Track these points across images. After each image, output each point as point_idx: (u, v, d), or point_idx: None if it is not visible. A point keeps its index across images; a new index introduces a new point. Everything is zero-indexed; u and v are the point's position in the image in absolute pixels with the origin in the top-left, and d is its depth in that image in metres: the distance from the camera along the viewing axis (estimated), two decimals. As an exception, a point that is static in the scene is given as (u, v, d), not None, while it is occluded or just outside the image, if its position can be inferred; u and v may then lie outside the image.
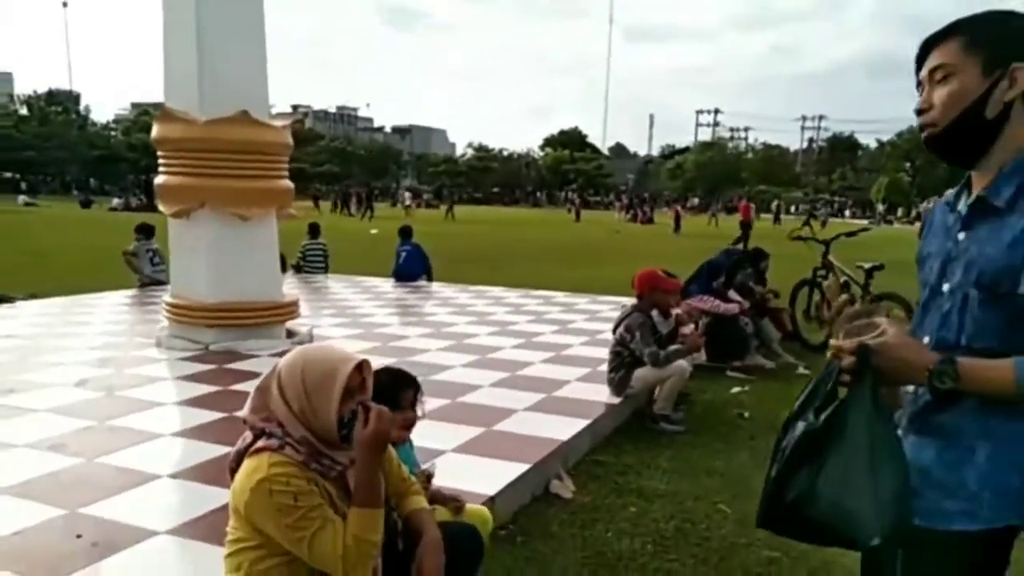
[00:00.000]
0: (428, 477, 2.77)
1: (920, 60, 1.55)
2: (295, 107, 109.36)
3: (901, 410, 1.59)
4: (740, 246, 14.52)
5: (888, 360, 1.44)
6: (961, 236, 1.52)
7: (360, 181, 65.58)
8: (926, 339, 1.54)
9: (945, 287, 1.52)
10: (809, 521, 1.47)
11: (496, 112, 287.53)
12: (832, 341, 1.53)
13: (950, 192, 1.61)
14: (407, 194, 51.54)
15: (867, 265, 7.68)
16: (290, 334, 6.95)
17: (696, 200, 69.83)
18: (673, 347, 5.18)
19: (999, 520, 1.43)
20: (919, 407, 1.53)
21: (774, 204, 45.80)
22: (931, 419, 1.51)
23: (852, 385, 1.47)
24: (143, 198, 39.74)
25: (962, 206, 1.55)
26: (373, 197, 43.90)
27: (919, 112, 1.53)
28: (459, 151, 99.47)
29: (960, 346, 1.47)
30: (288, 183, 7.03)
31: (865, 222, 33.37)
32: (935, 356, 1.43)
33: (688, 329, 5.46)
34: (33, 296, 9.49)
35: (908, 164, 64.58)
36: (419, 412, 2.69)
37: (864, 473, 1.41)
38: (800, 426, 1.51)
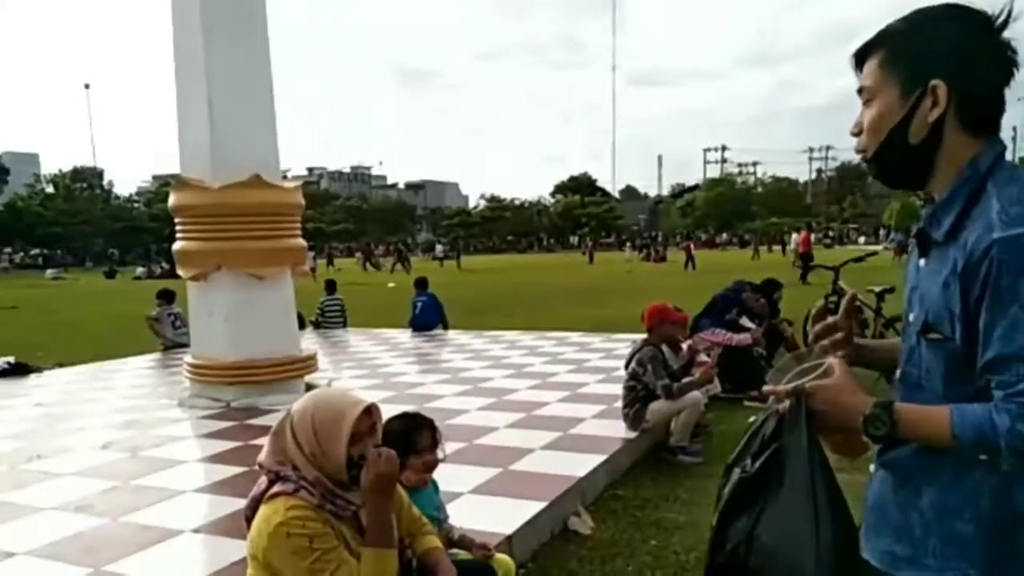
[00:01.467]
0: (448, 533, 2.80)
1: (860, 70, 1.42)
2: (310, 169, 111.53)
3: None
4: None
5: (823, 404, 1.37)
6: (921, 263, 1.37)
7: (376, 238, 66.29)
8: (898, 372, 1.44)
9: (911, 317, 1.38)
10: (750, 570, 1.41)
11: (507, 163, 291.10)
12: (766, 387, 1.47)
13: (925, 212, 1.42)
14: (439, 247, 52.68)
15: (878, 288, 7.69)
16: (309, 388, 7.04)
17: (703, 236, 70.06)
18: (686, 379, 5.21)
19: (949, 570, 1.29)
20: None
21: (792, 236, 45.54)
22: (889, 454, 1.39)
23: (787, 429, 1.40)
24: (164, 266, 40.59)
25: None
26: (406, 250, 44.93)
27: (854, 135, 1.41)
28: (472, 203, 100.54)
29: (920, 385, 1.36)
30: (301, 241, 7.21)
31: (879, 247, 33.13)
32: (870, 401, 1.32)
33: (703, 358, 5.49)
34: (60, 365, 9.68)
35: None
36: (439, 454, 2.73)
37: (803, 521, 1.35)
38: (735, 473, 1.47)
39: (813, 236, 30.84)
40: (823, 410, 1.37)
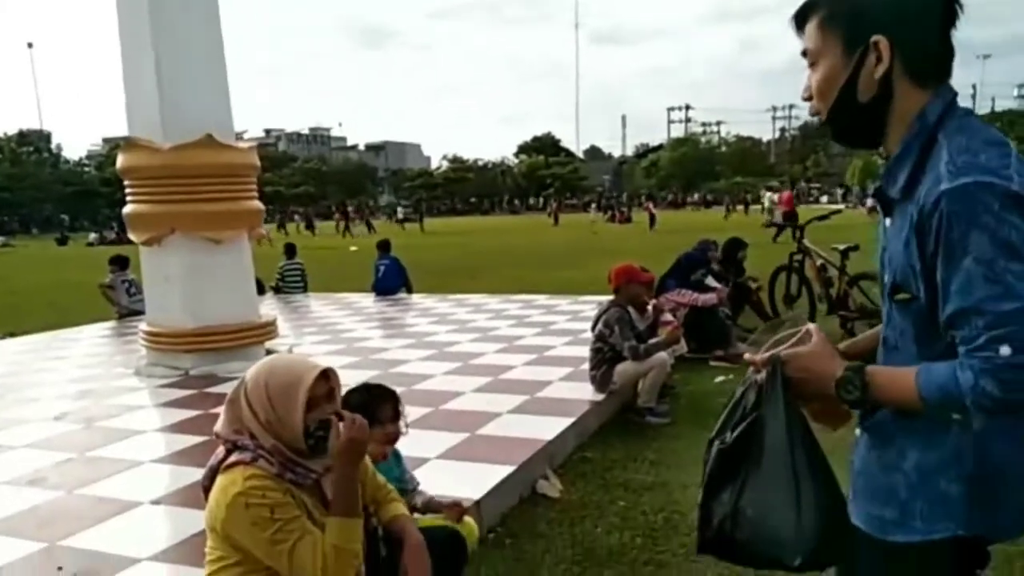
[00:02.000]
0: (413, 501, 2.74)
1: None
2: (267, 131, 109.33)
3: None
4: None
5: (798, 371, 1.35)
6: (887, 223, 1.35)
7: (337, 200, 65.40)
8: (880, 337, 1.42)
9: (885, 279, 1.35)
10: (737, 544, 1.39)
11: (469, 123, 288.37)
12: (746, 355, 1.45)
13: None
14: (400, 209, 52.14)
15: (842, 247, 7.73)
16: (269, 354, 6.89)
17: (668, 196, 70.53)
18: (653, 340, 5.19)
19: (937, 532, 1.28)
20: None
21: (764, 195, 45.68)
22: (870, 418, 1.37)
23: (765, 401, 1.38)
24: (116, 231, 39.61)
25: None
26: (368, 213, 44.56)
27: (805, 99, 1.38)
28: (434, 164, 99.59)
29: (896, 347, 1.34)
30: (258, 204, 7.01)
31: (841, 206, 33.65)
32: (842, 365, 1.31)
33: (668, 317, 5.48)
34: (11, 335, 9.39)
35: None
36: (402, 426, 2.66)
37: (784, 490, 1.32)
38: (715, 445, 1.43)
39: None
40: (799, 377, 1.35)
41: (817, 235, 8.46)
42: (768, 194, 35.05)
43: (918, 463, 1.29)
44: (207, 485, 2.04)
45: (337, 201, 62.29)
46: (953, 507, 1.27)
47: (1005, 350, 1.12)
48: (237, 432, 2.01)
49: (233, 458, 1.97)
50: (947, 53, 1.28)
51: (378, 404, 2.57)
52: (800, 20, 1.35)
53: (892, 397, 1.26)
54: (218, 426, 2.07)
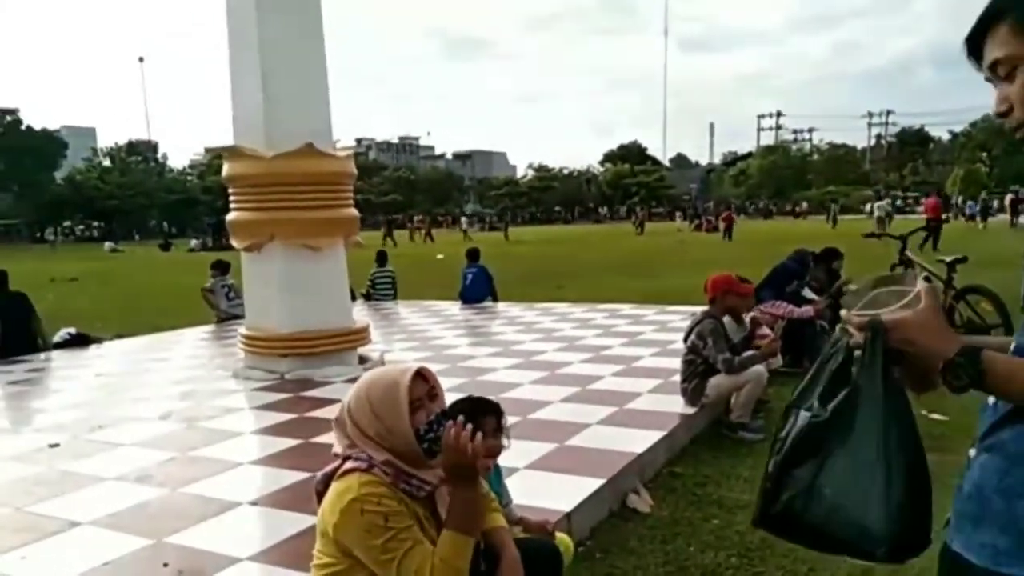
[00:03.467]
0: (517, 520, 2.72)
1: (973, 55, 1.30)
2: (359, 140, 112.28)
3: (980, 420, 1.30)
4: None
5: (902, 342, 1.20)
6: None
7: (424, 209, 66.59)
8: (1013, 345, 1.27)
9: None
10: (805, 523, 1.28)
11: (556, 132, 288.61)
12: (843, 312, 1.30)
13: None
14: (464, 219, 52.45)
15: (948, 259, 7.36)
16: (362, 360, 7.04)
17: (759, 205, 68.88)
18: (748, 353, 5.04)
19: None
20: (997, 418, 1.25)
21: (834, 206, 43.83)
22: (999, 434, 1.23)
23: (861, 367, 1.24)
24: (209, 240, 41.51)
25: None
26: (392, 224, 44.52)
27: (1001, 115, 1.27)
28: (520, 173, 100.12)
29: None
30: (354, 212, 7.17)
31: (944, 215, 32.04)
32: (957, 344, 1.18)
33: (765, 331, 5.31)
34: (120, 336, 9.90)
35: (984, 154, 62.07)
36: (504, 441, 2.63)
37: (873, 472, 1.21)
38: (804, 416, 1.30)
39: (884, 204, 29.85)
40: (903, 349, 1.21)
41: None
42: (878, 203, 33.80)
43: None
44: (320, 490, 2.05)
45: (421, 210, 63.42)
46: None
47: None
48: (350, 447, 2.01)
49: (349, 464, 1.98)
50: None
51: (481, 417, 2.55)
52: (980, 34, 1.26)
53: (1010, 390, 1.16)
54: (335, 447, 2.07)
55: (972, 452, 1.30)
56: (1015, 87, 1.22)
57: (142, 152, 76.00)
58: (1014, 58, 1.21)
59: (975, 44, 1.26)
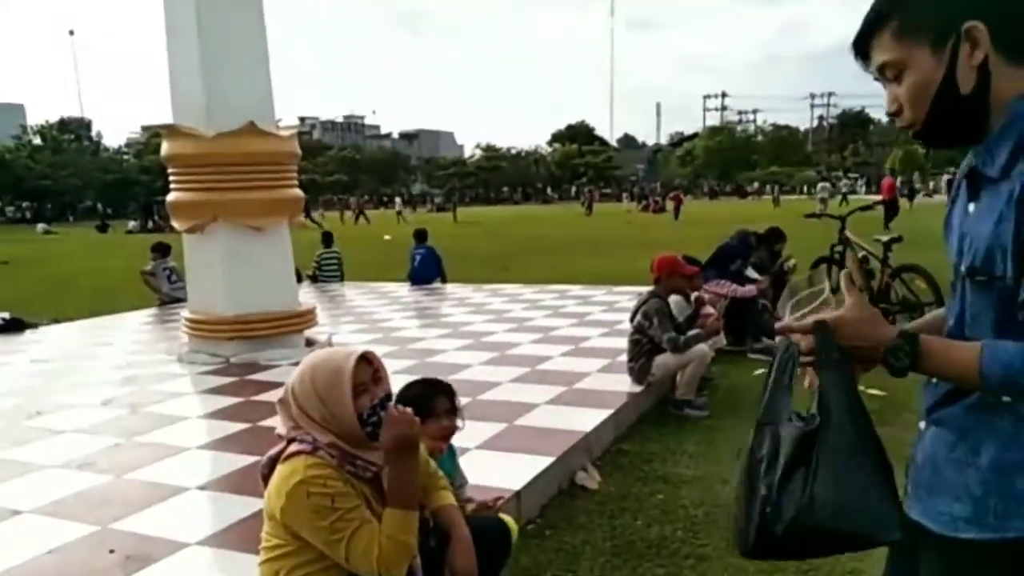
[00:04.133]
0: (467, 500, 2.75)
1: (861, 56, 1.34)
2: (302, 119, 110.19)
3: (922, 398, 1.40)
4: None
5: (847, 337, 1.28)
6: (971, 208, 1.30)
7: (371, 189, 65.86)
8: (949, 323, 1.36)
9: (962, 268, 1.30)
10: (814, 534, 1.28)
11: (503, 111, 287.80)
12: (782, 323, 1.39)
13: (970, 154, 1.35)
14: (398, 200, 51.91)
15: (885, 238, 7.60)
16: (309, 343, 6.98)
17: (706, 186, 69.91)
18: (692, 332, 5.15)
19: (1011, 529, 1.24)
20: (940, 396, 1.34)
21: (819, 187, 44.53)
22: (944, 411, 1.33)
23: (822, 370, 1.30)
24: (143, 220, 40.23)
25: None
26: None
27: (892, 115, 1.34)
28: (467, 153, 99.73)
29: (964, 336, 1.28)
30: (298, 192, 7.07)
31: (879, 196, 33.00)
32: (895, 331, 1.26)
33: (709, 310, 5.43)
34: (56, 320, 9.61)
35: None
36: (458, 422, 2.66)
37: (863, 466, 1.27)
38: (796, 427, 1.32)
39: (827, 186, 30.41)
40: (846, 344, 1.29)
41: (860, 227, 8.32)
42: (822, 184, 34.55)
43: (995, 460, 1.25)
44: (266, 473, 2.06)
45: (368, 190, 62.76)
46: None
47: None
48: (295, 429, 2.02)
49: (294, 447, 1.99)
50: None
51: (435, 398, 2.58)
52: (865, 40, 1.31)
53: (946, 370, 1.24)
54: (279, 428, 2.08)
55: (922, 425, 1.39)
56: (902, 89, 1.29)
57: (75, 130, 73.13)
58: (899, 62, 1.28)
59: (862, 46, 1.32)
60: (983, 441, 1.26)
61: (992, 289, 1.22)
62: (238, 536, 3.13)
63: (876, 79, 1.34)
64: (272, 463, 2.04)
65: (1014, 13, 1.21)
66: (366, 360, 2.03)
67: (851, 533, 1.27)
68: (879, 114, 78.71)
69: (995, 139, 1.24)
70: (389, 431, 1.97)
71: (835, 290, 1.41)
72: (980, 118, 1.26)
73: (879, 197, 21.14)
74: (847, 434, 1.27)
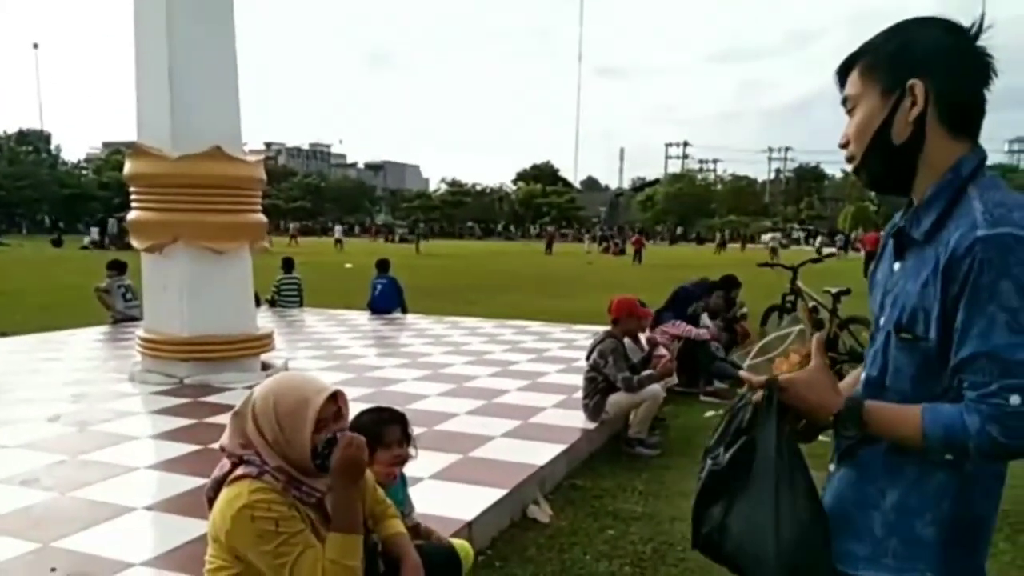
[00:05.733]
0: (416, 528, 2.77)
1: (842, 85, 1.44)
2: (268, 144, 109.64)
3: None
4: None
5: (795, 399, 1.38)
6: (896, 267, 1.38)
7: (334, 217, 65.54)
8: (863, 375, 1.45)
9: (881, 321, 1.39)
10: (722, 553, 1.47)
11: (470, 148, 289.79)
12: (742, 373, 1.49)
13: (897, 215, 1.44)
14: (338, 228, 51.74)
15: (834, 290, 7.85)
16: (265, 367, 6.92)
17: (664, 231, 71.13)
18: (646, 372, 5.25)
19: (907, 571, 1.31)
20: (851, 440, 1.41)
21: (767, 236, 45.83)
22: (852, 452, 1.40)
23: (758, 422, 1.41)
24: (94, 238, 39.48)
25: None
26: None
27: (842, 146, 1.43)
28: (432, 186, 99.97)
29: (884, 387, 1.36)
30: (261, 217, 7.07)
31: (833, 249, 33.92)
32: (841, 400, 1.34)
33: (662, 351, 5.54)
34: (3, 335, 9.37)
35: (873, 192, 66.02)
36: (411, 451, 2.68)
37: (768, 513, 1.37)
38: (708, 463, 1.50)
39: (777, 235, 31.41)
40: (796, 405, 1.38)
41: (810, 278, 8.57)
42: (770, 235, 35.51)
43: (897, 502, 1.33)
44: (211, 496, 2.07)
45: (331, 218, 62.45)
46: (926, 549, 1.30)
47: (1015, 399, 1.17)
48: (243, 447, 2.03)
49: (239, 471, 2.00)
50: (979, 108, 1.33)
51: (387, 426, 2.60)
52: (844, 71, 1.41)
53: (890, 433, 1.30)
54: (224, 440, 2.09)
55: (832, 467, 1.48)
56: (853, 122, 1.39)
57: (33, 142, 71.85)
58: (856, 97, 1.38)
59: (844, 75, 1.43)
60: (888, 485, 1.34)
61: (916, 348, 1.30)
62: (183, 558, 3.10)
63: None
64: (217, 485, 2.05)
65: (953, 86, 1.30)
66: (333, 398, 2.06)
67: (743, 566, 1.43)
68: (833, 170, 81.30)
69: (924, 204, 1.32)
70: (340, 452, 1.99)
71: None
72: (907, 171, 1.35)
73: (832, 251, 21.76)
74: (766, 485, 1.38)
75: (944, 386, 1.27)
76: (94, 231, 40.98)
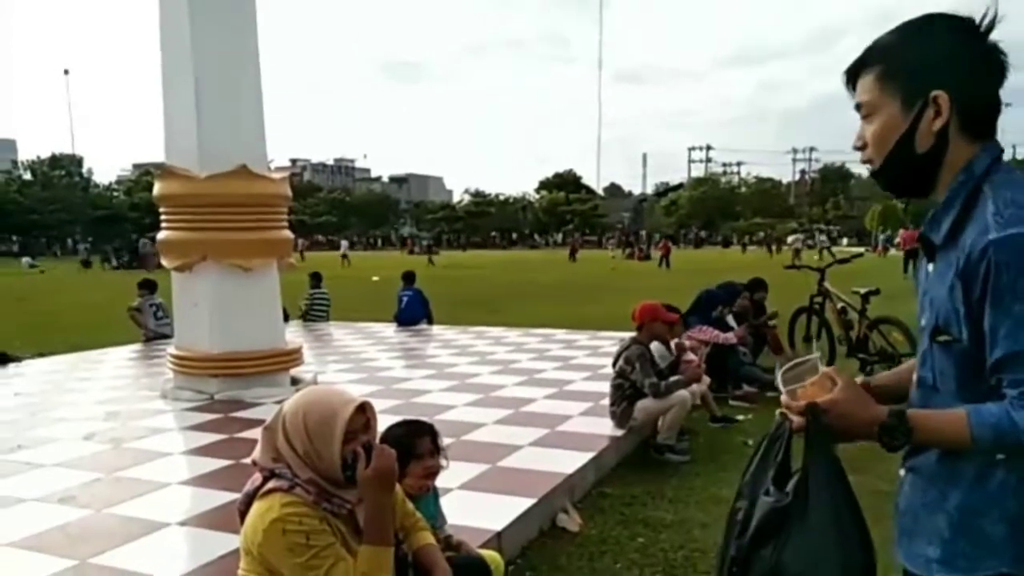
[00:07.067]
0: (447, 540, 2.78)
1: (851, 86, 1.43)
2: (293, 160, 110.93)
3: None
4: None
5: (839, 419, 1.37)
6: (930, 268, 1.39)
7: (359, 232, 66.11)
8: (914, 377, 1.45)
9: (923, 322, 1.40)
10: None
11: (492, 158, 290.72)
12: (783, 398, 1.47)
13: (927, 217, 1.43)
14: (344, 243, 51.35)
15: (863, 290, 7.75)
16: (294, 381, 6.99)
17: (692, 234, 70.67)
18: (673, 378, 5.23)
19: (981, 570, 1.30)
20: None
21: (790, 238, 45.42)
22: (917, 459, 1.42)
23: (807, 449, 1.40)
24: (114, 259, 40.09)
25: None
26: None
27: (857, 148, 1.43)
28: (456, 197, 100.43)
29: (935, 388, 1.37)
30: (288, 233, 7.16)
31: (862, 249, 33.54)
32: (884, 410, 1.34)
33: (690, 356, 5.51)
34: (40, 355, 9.56)
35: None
36: (442, 462, 2.69)
37: (832, 545, 1.36)
38: (766, 501, 1.45)
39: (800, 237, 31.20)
40: (839, 425, 1.37)
41: (838, 279, 8.47)
42: (794, 236, 35.28)
43: (960, 503, 1.32)
44: (243, 510, 2.09)
45: (356, 232, 62.95)
46: (998, 546, 1.29)
47: None
48: (275, 461, 2.06)
49: (271, 484, 2.02)
50: (997, 109, 1.34)
51: (418, 438, 2.61)
52: (853, 74, 1.41)
53: (938, 439, 1.31)
54: (256, 454, 2.11)
55: (901, 472, 1.48)
56: (870, 129, 1.39)
57: (66, 166, 73.32)
58: (873, 105, 1.38)
59: (854, 76, 1.43)
60: (949, 487, 1.34)
61: (953, 349, 1.31)
62: (216, 572, 3.14)
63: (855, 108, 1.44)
64: (249, 499, 2.08)
65: (975, 93, 1.31)
66: (361, 409, 2.08)
67: None
68: (860, 169, 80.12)
69: (940, 208, 1.34)
70: (375, 463, 2.01)
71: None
72: (930, 177, 1.36)
73: (859, 251, 21.53)
74: (826, 517, 1.39)
75: (989, 385, 1.27)
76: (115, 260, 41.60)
